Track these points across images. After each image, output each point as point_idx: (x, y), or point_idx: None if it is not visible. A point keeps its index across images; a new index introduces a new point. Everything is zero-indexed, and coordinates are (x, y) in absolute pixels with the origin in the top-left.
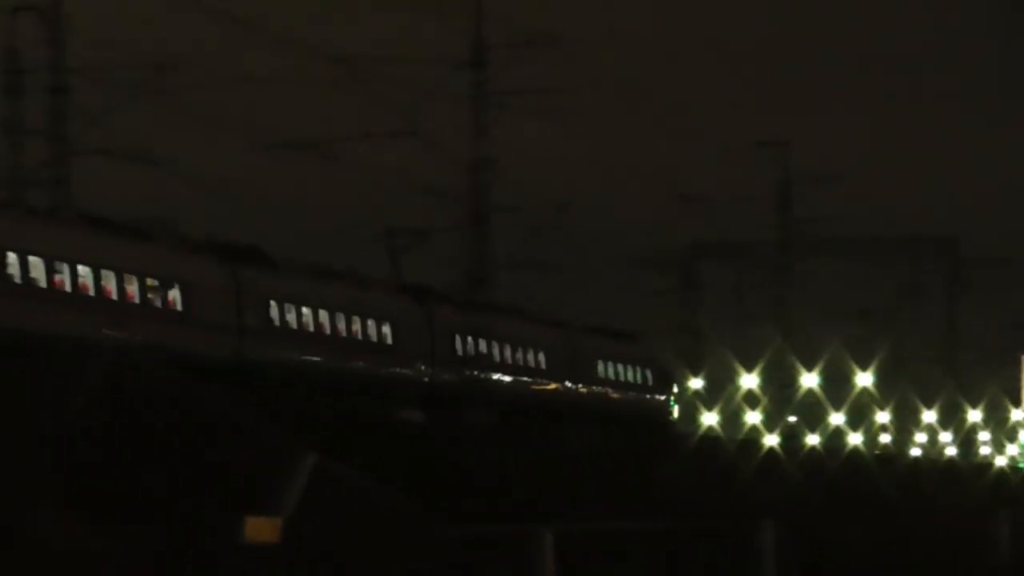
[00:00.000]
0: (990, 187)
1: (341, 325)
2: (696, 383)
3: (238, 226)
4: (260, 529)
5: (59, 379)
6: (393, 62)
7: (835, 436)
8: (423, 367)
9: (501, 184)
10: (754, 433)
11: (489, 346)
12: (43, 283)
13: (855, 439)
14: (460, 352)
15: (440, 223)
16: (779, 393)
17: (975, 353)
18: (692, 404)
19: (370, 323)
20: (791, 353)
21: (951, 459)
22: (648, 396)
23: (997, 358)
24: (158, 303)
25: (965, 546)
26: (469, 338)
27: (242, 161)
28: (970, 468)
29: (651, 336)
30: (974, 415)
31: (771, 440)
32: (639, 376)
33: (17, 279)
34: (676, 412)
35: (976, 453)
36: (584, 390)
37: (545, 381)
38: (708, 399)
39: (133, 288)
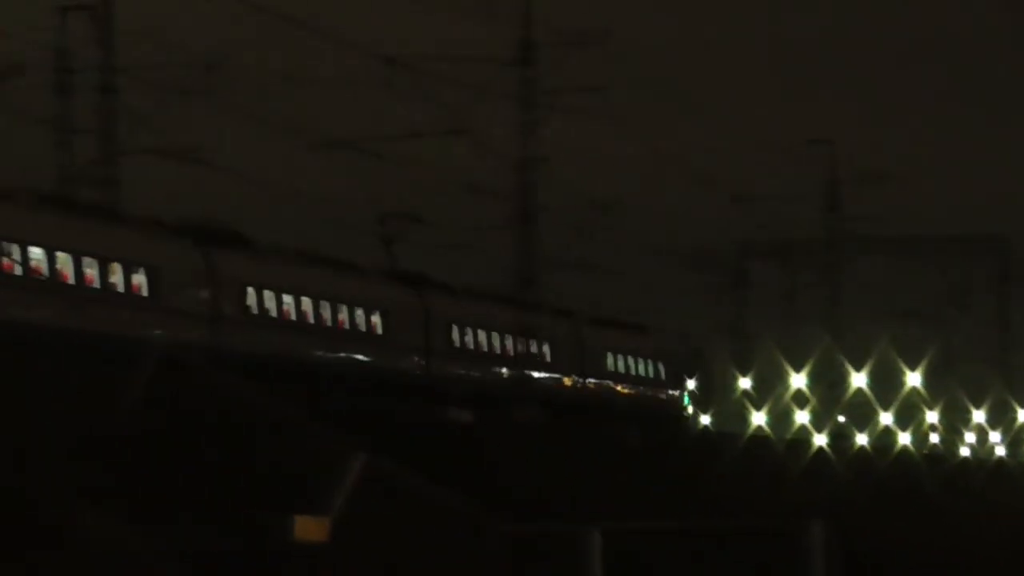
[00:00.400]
0: None
1: (325, 313)
2: (745, 383)
3: (286, 226)
4: (309, 528)
5: (109, 377)
6: (441, 61)
7: (884, 436)
8: (416, 358)
9: (549, 183)
10: (803, 433)
11: (489, 337)
12: None
13: (904, 439)
14: (457, 343)
15: (488, 222)
16: (828, 393)
17: None
18: (741, 404)
19: (357, 311)
20: (840, 353)
21: (1000, 459)
22: (660, 390)
23: None
24: (121, 288)
25: (1013, 546)
26: (467, 328)
27: (291, 161)
28: (1019, 468)
29: (663, 329)
30: None
31: (820, 440)
32: (650, 369)
33: None
34: (689, 408)
35: None
36: (591, 383)
37: (548, 373)
38: (757, 399)
39: (95, 272)
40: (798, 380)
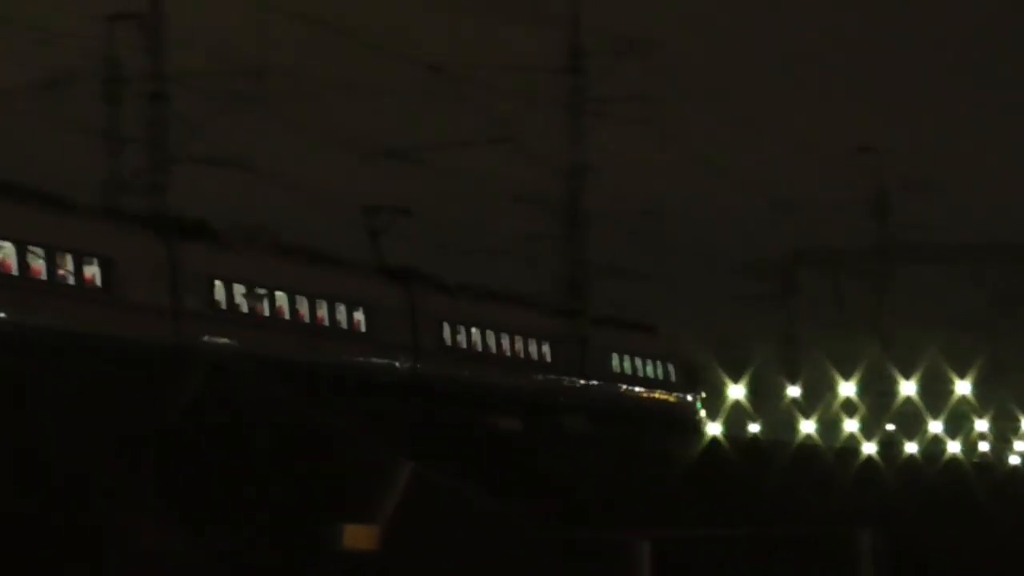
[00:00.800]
0: None
1: (301, 308)
2: (794, 391)
3: (335, 234)
4: (358, 536)
5: (160, 384)
6: (489, 69)
7: (933, 444)
8: (402, 358)
9: (597, 191)
10: (852, 441)
11: (483, 336)
12: None
13: (953, 447)
14: (447, 342)
15: (536, 230)
16: (877, 401)
17: None
18: (790, 411)
19: (338, 307)
20: (889, 361)
21: None
22: (670, 394)
23: None
24: (72, 280)
25: None
26: (458, 327)
27: (338, 169)
28: None
29: (675, 331)
30: None
31: (869, 448)
32: (660, 372)
33: None
34: (703, 412)
35: None
36: (594, 386)
37: (548, 375)
38: (806, 407)
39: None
40: (847, 388)
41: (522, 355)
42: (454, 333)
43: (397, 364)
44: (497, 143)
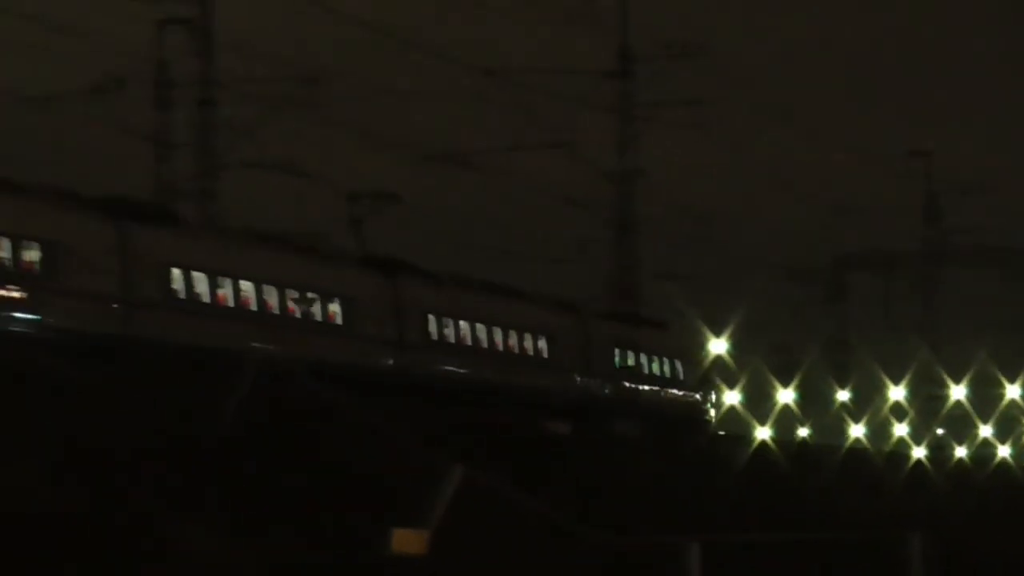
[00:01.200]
0: None
1: (270, 299)
2: (843, 395)
3: (386, 238)
4: (407, 541)
5: (208, 386)
6: (540, 74)
7: (983, 448)
8: (387, 352)
9: (648, 195)
10: (901, 445)
11: (472, 329)
12: None
13: (1003, 451)
14: (434, 335)
15: (586, 234)
16: (926, 405)
17: None
18: (839, 416)
19: (311, 298)
20: (939, 365)
21: None
22: (679, 392)
23: None
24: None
25: None
26: (447, 319)
27: (390, 173)
28: None
29: (685, 326)
30: None
31: (919, 452)
32: (668, 369)
33: None
34: (712, 412)
35: None
36: (597, 383)
37: (546, 372)
38: (855, 411)
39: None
40: (896, 392)
41: (517, 350)
42: (441, 326)
43: (378, 358)
44: (550, 147)
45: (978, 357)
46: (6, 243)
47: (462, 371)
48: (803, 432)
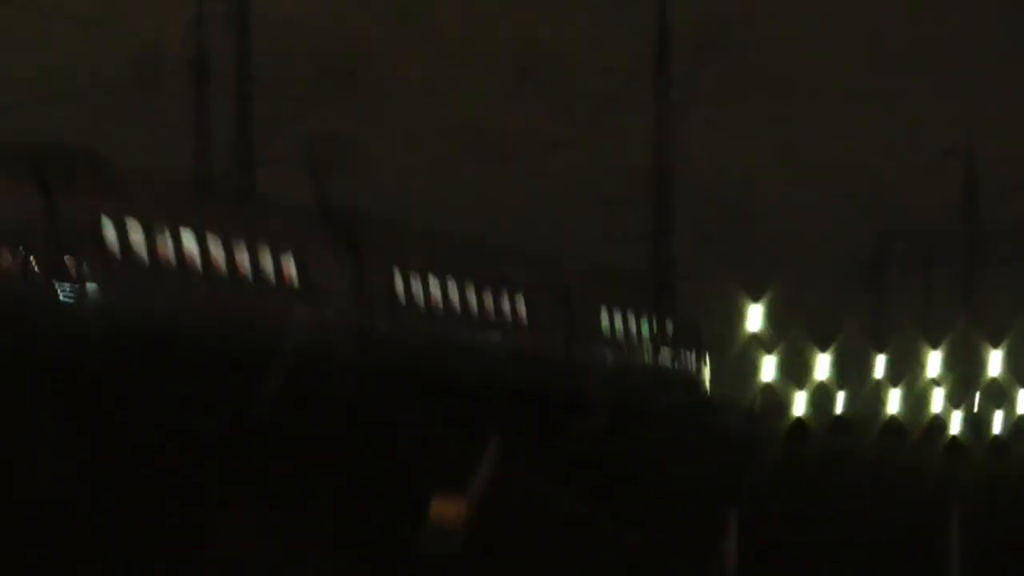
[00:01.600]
0: None
1: (217, 254)
2: (881, 370)
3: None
4: (446, 510)
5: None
6: (576, 68)
7: (1021, 423)
8: (343, 311)
9: (684, 188)
10: (938, 420)
11: (443, 287)
12: None
13: None
14: (399, 293)
15: (622, 229)
16: (964, 384)
17: None
18: (875, 394)
19: (261, 254)
20: (977, 345)
21: None
22: (671, 354)
23: None
24: None
25: None
26: (413, 276)
27: (424, 166)
28: None
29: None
30: None
31: (955, 427)
32: (660, 332)
33: None
34: (707, 374)
35: None
36: (579, 346)
37: (521, 334)
38: (893, 386)
39: None
40: (934, 366)
41: (491, 310)
42: (409, 288)
43: (335, 317)
44: (584, 142)
45: (1017, 337)
46: None
47: (430, 330)
48: (840, 407)
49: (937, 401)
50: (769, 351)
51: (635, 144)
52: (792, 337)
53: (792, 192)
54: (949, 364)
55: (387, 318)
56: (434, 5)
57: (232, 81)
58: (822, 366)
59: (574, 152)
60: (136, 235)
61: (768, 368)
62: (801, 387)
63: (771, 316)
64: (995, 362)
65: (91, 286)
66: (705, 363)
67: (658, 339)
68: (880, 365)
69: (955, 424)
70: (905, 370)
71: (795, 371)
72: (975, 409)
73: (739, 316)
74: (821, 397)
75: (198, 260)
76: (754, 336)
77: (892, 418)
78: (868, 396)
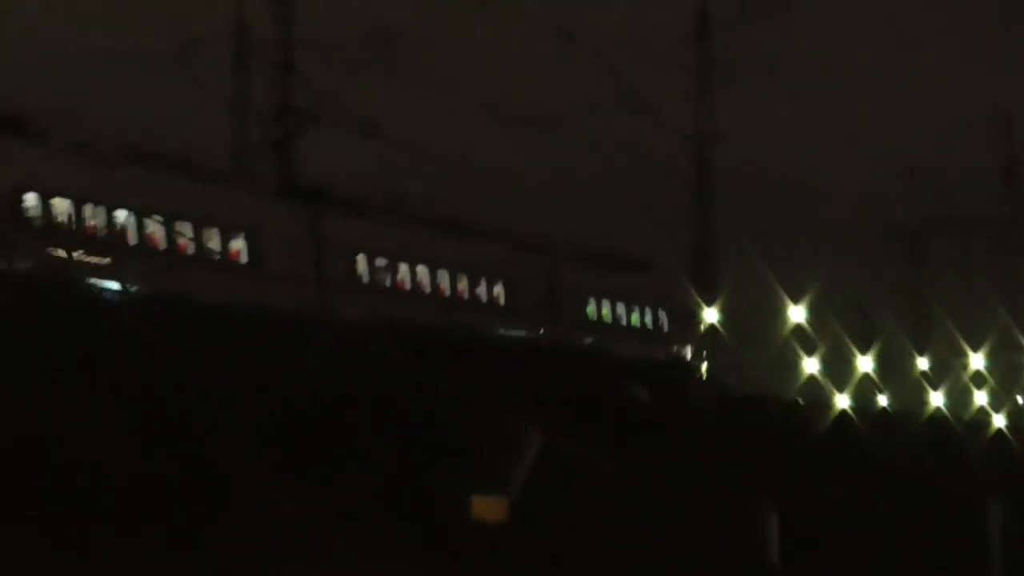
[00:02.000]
0: None
1: (156, 231)
2: (922, 362)
3: (463, 199)
4: (487, 508)
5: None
6: (619, 35)
7: None
8: (298, 291)
9: (726, 157)
10: (981, 414)
11: (412, 269)
12: None
13: None
14: (362, 274)
15: (666, 196)
16: (1007, 373)
17: None
18: (919, 383)
19: (206, 231)
20: (1019, 332)
21: None
22: (663, 344)
23: None
24: None
25: None
26: (379, 258)
27: (469, 134)
28: None
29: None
30: None
31: (999, 420)
32: (651, 318)
33: None
34: (703, 366)
35: None
36: (567, 333)
37: (503, 320)
38: (934, 379)
39: None
40: (977, 360)
41: (467, 293)
42: (372, 264)
43: (292, 298)
44: (628, 109)
45: None
46: None
47: (398, 313)
48: (883, 400)
49: (981, 394)
50: (812, 342)
51: (679, 111)
52: (835, 329)
53: (834, 163)
54: (993, 356)
55: (349, 299)
56: None
57: (273, 50)
58: (865, 359)
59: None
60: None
61: (811, 360)
62: (844, 379)
63: (813, 306)
64: None
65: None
66: (700, 351)
67: (653, 326)
68: (923, 358)
69: (999, 417)
70: (948, 362)
71: (838, 363)
72: (1020, 401)
73: (781, 306)
74: (864, 390)
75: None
76: (797, 327)
77: (935, 411)
78: (912, 389)
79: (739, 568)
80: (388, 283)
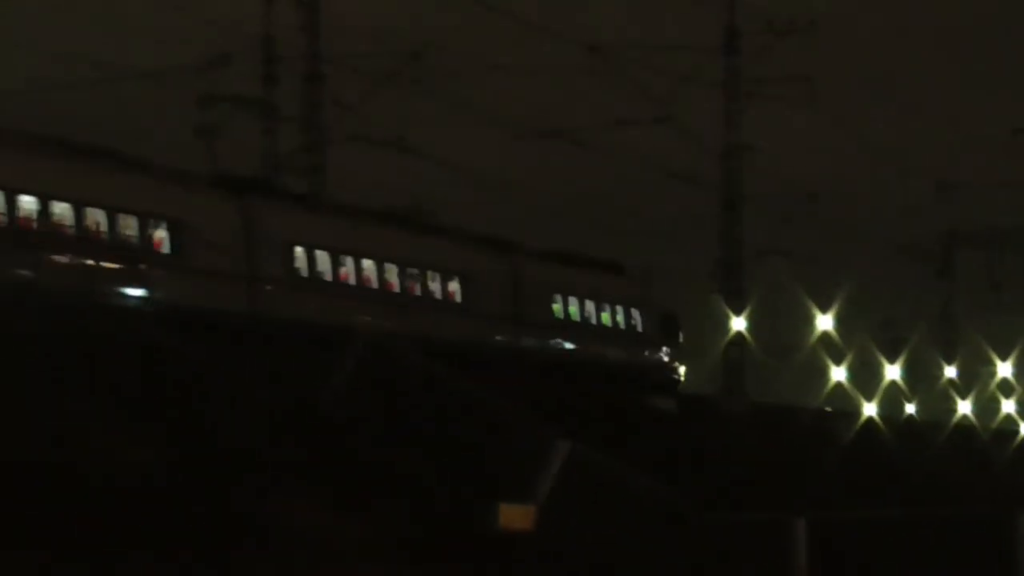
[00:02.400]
0: None
1: (57, 218)
2: (950, 371)
3: (491, 213)
4: (514, 516)
5: (320, 361)
6: (646, 49)
7: None
8: (228, 288)
9: (754, 171)
10: (1008, 422)
11: (357, 265)
12: None
13: None
14: (302, 272)
15: (692, 210)
16: None
17: None
18: (946, 392)
19: (122, 221)
20: None
21: None
22: (639, 348)
23: None
24: None
25: None
26: (321, 253)
27: (496, 149)
28: None
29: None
30: None
31: None
32: (624, 321)
33: None
34: (681, 370)
35: None
36: (528, 334)
37: (457, 320)
38: (962, 388)
39: None
40: (1004, 369)
41: (417, 292)
42: (311, 260)
43: (221, 296)
44: (655, 123)
45: None
46: None
47: (335, 316)
48: (910, 409)
49: (1008, 403)
50: (839, 351)
51: (706, 124)
52: (862, 338)
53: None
54: (1019, 364)
55: (285, 296)
56: None
57: (302, 63)
58: (892, 367)
59: (645, 131)
60: None
61: (839, 368)
62: (871, 388)
63: (841, 315)
64: None
65: None
66: (680, 356)
67: (629, 330)
68: (950, 367)
69: None
70: (975, 371)
71: (865, 372)
72: None
73: (807, 316)
74: (891, 398)
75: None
76: (824, 335)
77: (962, 419)
78: (938, 397)
79: None
80: (330, 279)
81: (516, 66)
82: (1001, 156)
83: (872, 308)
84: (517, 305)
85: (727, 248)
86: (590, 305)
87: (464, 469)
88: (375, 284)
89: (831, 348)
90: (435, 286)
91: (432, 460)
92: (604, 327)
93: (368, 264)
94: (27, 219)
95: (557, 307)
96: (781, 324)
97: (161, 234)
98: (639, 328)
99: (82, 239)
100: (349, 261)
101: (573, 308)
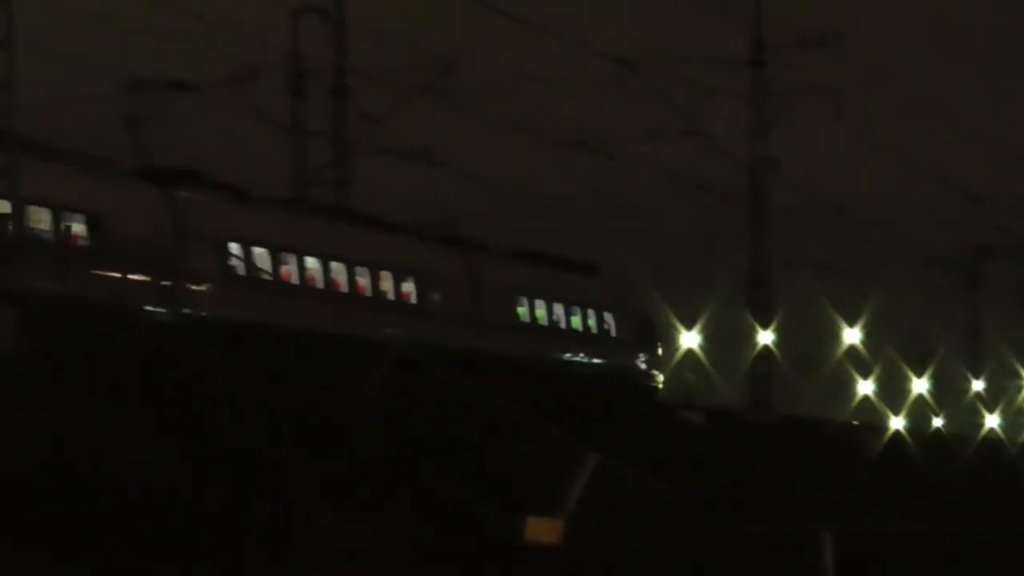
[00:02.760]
0: None
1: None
2: (978, 385)
3: (519, 226)
4: (541, 530)
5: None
6: (673, 62)
7: None
8: (155, 287)
9: (781, 184)
10: None
11: (299, 263)
12: None
13: None
14: (237, 269)
15: (720, 223)
16: None
17: None
18: (974, 406)
19: (36, 214)
20: None
21: None
22: (615, 352)
23: None
24: None
25: None
26: (259, 250)
27: (523, 161)
28: None
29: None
30: None
31: None
32: (598, 324)
33: None
34: (659, 376)
35: None
36: (492, 337)
37: (410, 320)
38: (990, 401)
39: None
40: None
41: (367, 292)
42: (248, 257)
43: (143, 293)
44: (683, 136)
45: None
46: None
47: (271, 315)
48: (937, 422)
49: None
50: (867, 364)
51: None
52: (889, 351)
53: (890, 186)
54: None
55: (216, 294)
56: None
57: (330, 77)
58: (920, 381)
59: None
60: None
61: (866, 381)
62: (899, 401)
63: (868, 328)
64: None
65: None
66: (658, 360)
67: (601, 334)
68: (978, 380)
69: None
70: (1003, 385)
71: (892, 385)
72: None
73: (836, 329)
74: (919, 412)
75: None
76: (851, 348)
77: (989, 433)
78: (966, 411)
79: None
80: (269, 278)
81: (545, 79)
82: None
83: (900, 321)
84: (476, 306)
85: (754, 260)
86: (559, 308)
87: (492, 482)
88: (319, 283)
89: (858, 361)
90: (386, 285)
91: (461, 471)
92: (573, 331)
93: (311, 262)
94: None
95: (523, 310)
96: (808, 337)
97: (78, 228)
98: (612, 332)
99: None
100: (290, 258)
101: (540, 311)
